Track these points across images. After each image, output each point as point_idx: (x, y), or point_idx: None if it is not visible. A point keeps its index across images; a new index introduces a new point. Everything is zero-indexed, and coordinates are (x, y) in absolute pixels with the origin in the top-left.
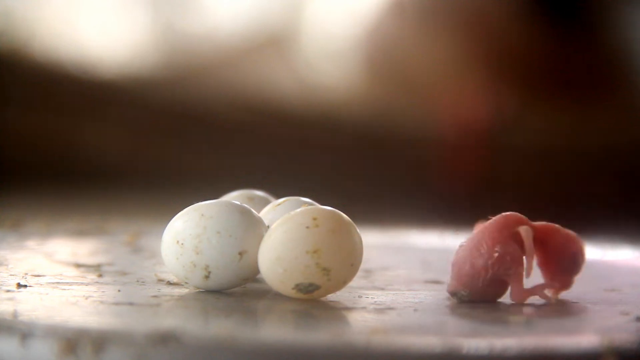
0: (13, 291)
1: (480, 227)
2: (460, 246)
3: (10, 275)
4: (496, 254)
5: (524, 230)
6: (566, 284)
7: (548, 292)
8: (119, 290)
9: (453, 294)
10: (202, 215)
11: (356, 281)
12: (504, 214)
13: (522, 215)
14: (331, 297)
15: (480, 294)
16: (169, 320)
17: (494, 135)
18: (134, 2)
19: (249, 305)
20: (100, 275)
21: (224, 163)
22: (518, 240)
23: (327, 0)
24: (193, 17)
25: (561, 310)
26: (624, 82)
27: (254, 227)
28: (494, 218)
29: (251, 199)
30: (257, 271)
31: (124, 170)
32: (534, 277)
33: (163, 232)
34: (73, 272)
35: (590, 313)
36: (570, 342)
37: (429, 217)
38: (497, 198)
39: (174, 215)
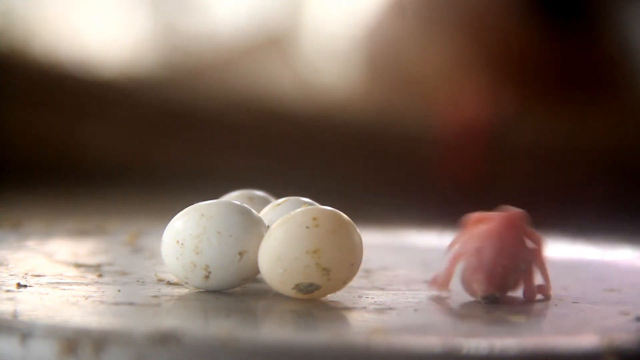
0: (13, 291)
1: (484, 227)
2: (460, 250)
3: (10, 275)
4: (522, 253)
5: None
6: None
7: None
8: (119, 290)
9: (485, 297)
10: (202, 215)
11: (356, 281)
12: (507, 211)
13: (521, 210)
14: (331, 297)
15: (508, 292)
16: (169, 320)
17: (494, 135)
18: (134, 2)
19: (249, 305)
20: (100, 275)
21: (224, 163)
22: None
23: (327, 0)
24: (193, 17)
25: (561, 310)
26: (624, 82)
27: (254, 227)
28: (497, 216)
29: (251, 199)
30: (257, 271)
31: (124, 170)
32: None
33: (163, 232)
34: (73, 272)
35: (590, 313)
36: (570, 342)
37: (429, 217)
38: (496, 198)
39: (174, 215)
